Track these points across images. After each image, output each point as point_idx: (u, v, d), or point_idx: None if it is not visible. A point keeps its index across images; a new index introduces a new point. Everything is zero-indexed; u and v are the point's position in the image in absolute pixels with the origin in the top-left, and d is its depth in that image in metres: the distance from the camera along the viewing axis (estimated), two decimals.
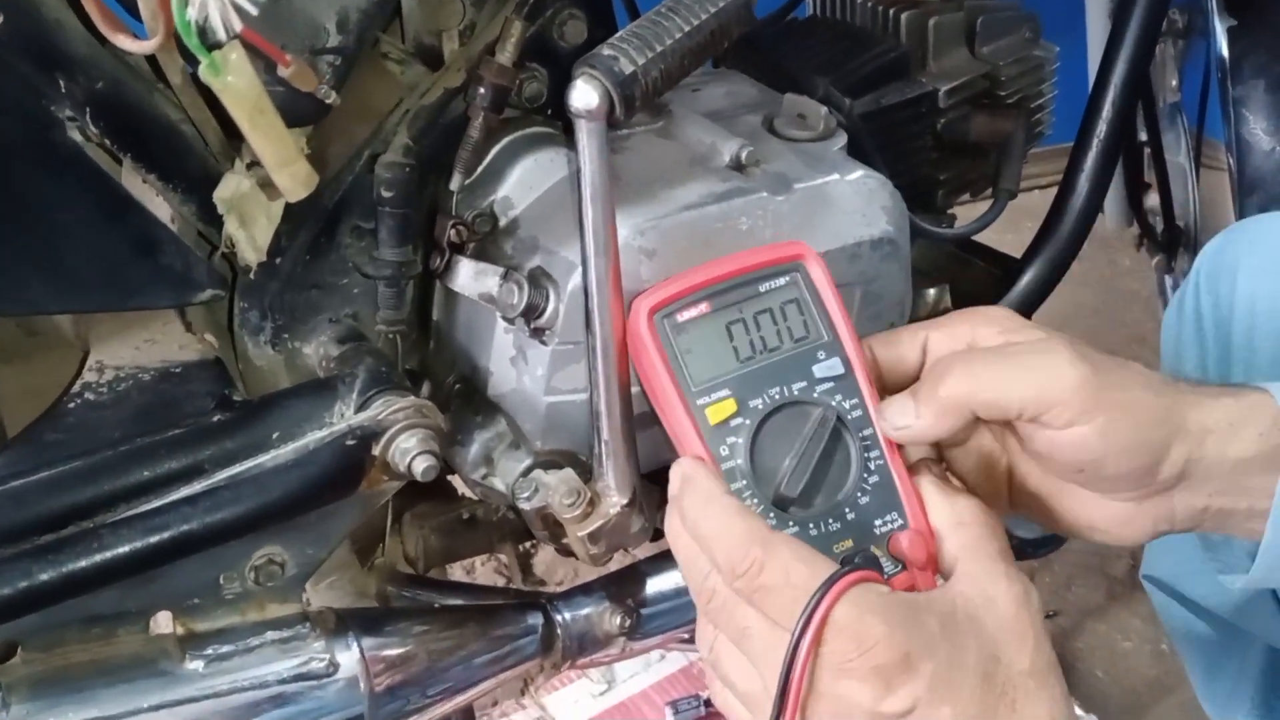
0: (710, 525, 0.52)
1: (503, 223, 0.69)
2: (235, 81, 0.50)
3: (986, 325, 0.58)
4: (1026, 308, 0.99)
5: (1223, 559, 0.69)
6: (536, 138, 0.70)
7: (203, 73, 0.50)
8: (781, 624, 0.48)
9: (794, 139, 0.74)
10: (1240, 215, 1.15)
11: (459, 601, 0.80)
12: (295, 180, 0.55)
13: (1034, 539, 0.73)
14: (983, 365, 0.55)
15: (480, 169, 0.69)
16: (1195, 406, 0.54)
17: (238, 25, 0.48)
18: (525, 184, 0.69)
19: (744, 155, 0.69)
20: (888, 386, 0.58)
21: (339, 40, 0.54)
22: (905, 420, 0.55)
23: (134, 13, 0.53)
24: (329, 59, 0.54)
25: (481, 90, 0.65)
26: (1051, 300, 0.99)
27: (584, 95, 0.56)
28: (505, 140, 0.70)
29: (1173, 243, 1.44)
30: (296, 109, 0.55)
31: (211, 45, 0.49)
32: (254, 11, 0.47)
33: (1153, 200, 1.44)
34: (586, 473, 0.68)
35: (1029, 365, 0.54)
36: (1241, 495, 0.55)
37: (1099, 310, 1.95)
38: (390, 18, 0.63)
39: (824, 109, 0.76)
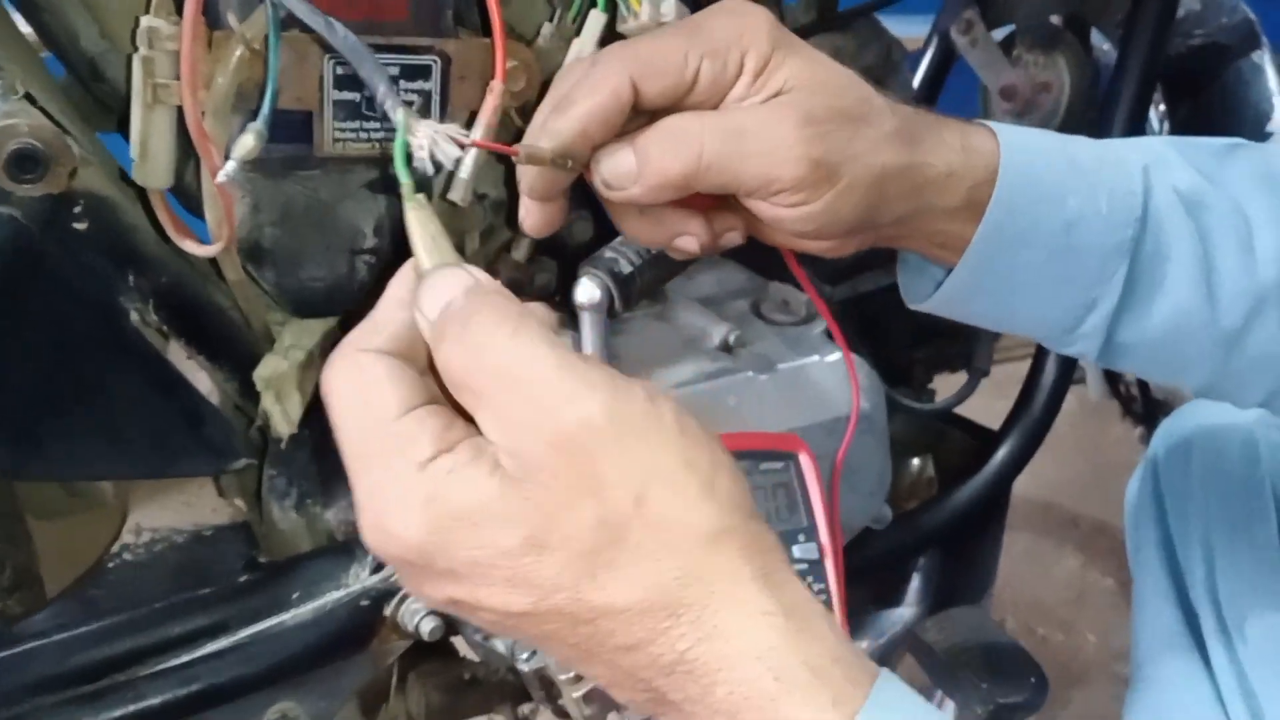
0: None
1: None
2: None
3: (749, 44, 0.52)
4: (1005, 478, 1.05)
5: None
6: None
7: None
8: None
9: (778, 323, 0.81)
10: None
11: None
12: None
13: (1016, 702, 0.76)
14: (710, 138, 0.51)
15: None
16: (922, 169, 0.54)
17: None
18: None
19: (732, 338, 0.76)
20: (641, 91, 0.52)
21: (374, 243, 0.62)
22: (621, 179, 0.53)
23: (199, 215, 0.61)
24: (366, 259, 0.62)
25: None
26: (1042, 467, 1.04)
27: (587, 291, 0.64)
28: None
29: (1150, 415, 1.49)
30: (333, 299, 0.63)
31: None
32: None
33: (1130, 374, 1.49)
34: None
35: (755, 147, 0.51)
36: (940, 237, 0.57)
37: (1088, 476, 1.98)
38: None
39: (805, 296, 0.84)
